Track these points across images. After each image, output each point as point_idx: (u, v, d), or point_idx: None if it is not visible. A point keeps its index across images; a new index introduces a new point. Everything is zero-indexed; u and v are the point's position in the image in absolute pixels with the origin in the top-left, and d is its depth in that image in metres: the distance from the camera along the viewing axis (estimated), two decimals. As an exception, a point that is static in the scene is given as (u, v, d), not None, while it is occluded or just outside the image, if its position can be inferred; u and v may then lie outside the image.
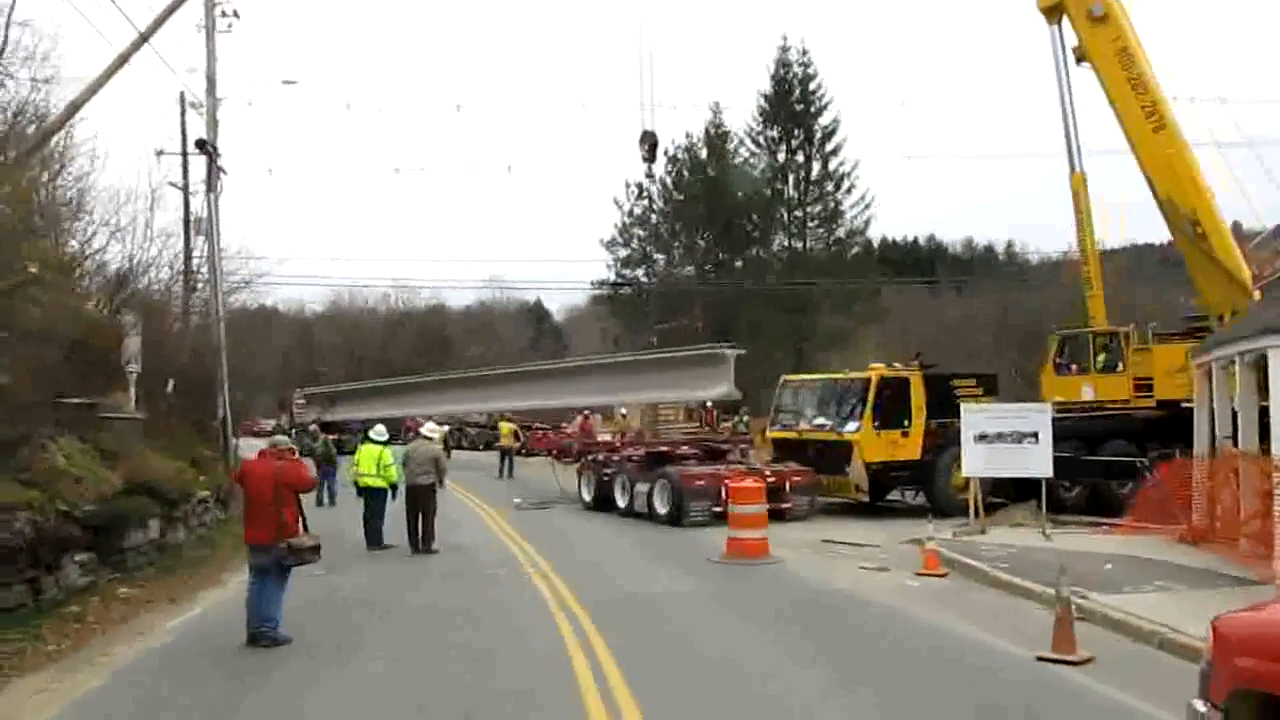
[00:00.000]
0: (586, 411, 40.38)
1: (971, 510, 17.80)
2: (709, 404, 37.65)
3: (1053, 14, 22.93)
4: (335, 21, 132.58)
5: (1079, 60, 22.52)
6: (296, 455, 11.47)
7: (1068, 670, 8.97)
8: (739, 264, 58.52)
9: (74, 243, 20.01)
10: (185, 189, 27.29)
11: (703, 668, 9.27)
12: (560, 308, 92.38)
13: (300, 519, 10.77)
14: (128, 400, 18.07)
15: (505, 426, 36.15)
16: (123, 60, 20.95)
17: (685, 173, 58.92)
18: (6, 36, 18.39)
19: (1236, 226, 21.50)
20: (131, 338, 18.54)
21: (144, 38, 21.22)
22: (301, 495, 10.94)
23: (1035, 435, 17.25)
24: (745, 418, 36.46)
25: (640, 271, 61.12)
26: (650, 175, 53.48)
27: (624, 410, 35.61)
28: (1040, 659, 9.24)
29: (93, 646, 10.44)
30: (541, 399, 33.11)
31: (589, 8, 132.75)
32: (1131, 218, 75.52)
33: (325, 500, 24.74)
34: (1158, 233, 33.25)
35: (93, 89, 20.40)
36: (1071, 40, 22.70)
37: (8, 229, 13.90)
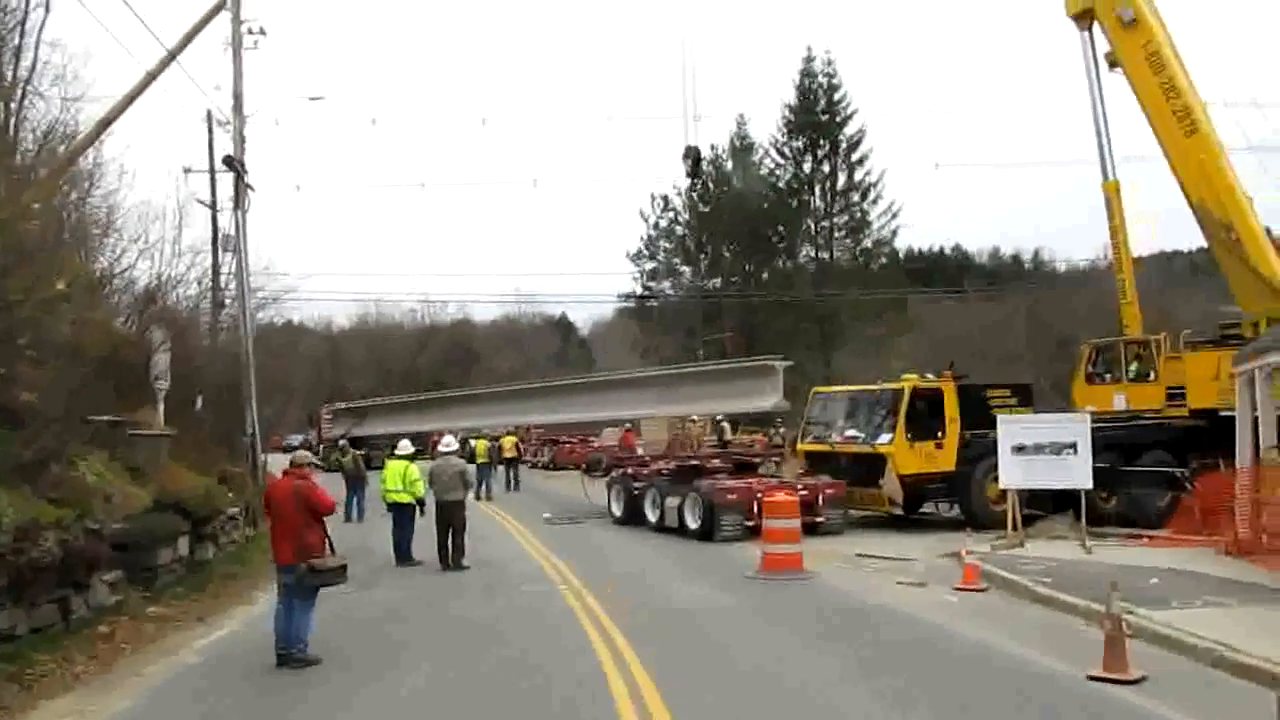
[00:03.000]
0: (628, 424, 40.06)
1: (1009, 523, 17.46)
2: (720, 418, 37.31)
3: (1083, 20, 22.74)
4: (360, 38, 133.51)
5: (1111, 66, 22.27)
6: (316, 470, 11.32)
7: (1121, 690, 8.66)
8: (765, 275, 58.33)
9: (103, 260, 20.06)
10: (213, 206, 27.42)
11: (743, 687, 9.04)
12: (586, 320, 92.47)
13: (326, 539, 10.62)
14: (156, 417, 18.02)
15: (507, 440, 35.96)
16: (151, 78, 21.04)
17: (710, 184, 58.82)
18: (36, 56, 18.52)
19: (1268, 232, 21.07)
20: (160, 354, 18.49)
21: (172, 55, 21.31)
22: (326, 515, 10.76)
23: (1074, 446, 16.90)
24: (781, 429, 36.18)
25: (667, 284, 61.05)
26: (694, 190, 53.88)
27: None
28: (1092, 678, 8.94)
29: (122, 667, 10.33)
30: (579, 412, 32.83)
31: (615, 22, 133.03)
32: (1161, 224, 74.88)
33: (354, 516, 24.67)
34: (1188, 239, 32.88)
35: (121, 107, 20.50)
36: (1103, 46, 22.47)
37: (38, 246, 13.86)
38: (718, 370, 28.29)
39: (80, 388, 14.02)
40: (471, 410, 36.69)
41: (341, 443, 32.06)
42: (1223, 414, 19.86)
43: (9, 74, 18.26)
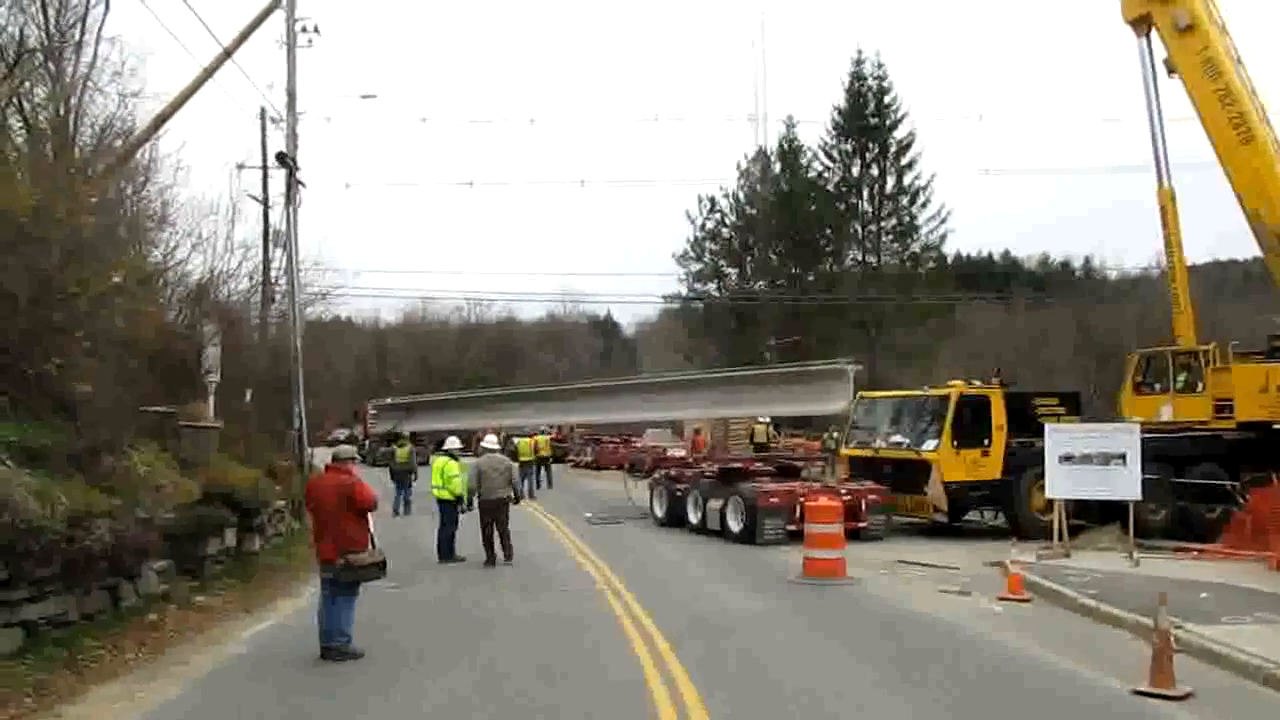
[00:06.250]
0: (698, 427, 39.97)
1: (1055, 533, 17.25)
2: (759, 419, 37.17)
3: (1140, 25, 22.36)
4: (412, 37, 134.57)
5: (1170, 72, 21.91)
6: (358, 464, 11.43)
7: (1167, 706, 8.54)
8: (811, 278, 58.08)
9: (157, 253, 20.40)
10: (265, 202, 27.71)
11: (784, 695, 8.99)
12: (630, 321, 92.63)
13: (369, 534, 10.71)
14: (206, 409, 18.25)
15: (541, 438, 35.86)
16: (207, 75, 21.33)
17: (758, 186, 58.68)
18: (96, 52, 18.83)
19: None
20: (211, 347, 18.74)
21: (228, 53, 21.58)
22: (369, 511, 10.79)
23: (1123, 457, 16.64)
24: (835, 434, 36.01)
25: (712, 286, 60.94)
26: (757, 193, 53.72)
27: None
28: (1137, 693, 8.82)
29: (170, 655, 10.50)
30: (630, 413, 32.68)
31: (663, 24, 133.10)
32: (1216, 233, 73.73)
33: (400, 510, 24.91)
34: (1242, 249, 32.32)
35: (178, 103, 20.81)
36: (1161, 52, 22.13)
37: (94, 240, 14.10)
38: (783, 373, 27.93)
39: (133, 380, 14.26)
40: (519, 408, 36.58)
41: (401, 435, 32.19)
42: (1276, 426, 19.56)
43: (70, 70, 18.58)
